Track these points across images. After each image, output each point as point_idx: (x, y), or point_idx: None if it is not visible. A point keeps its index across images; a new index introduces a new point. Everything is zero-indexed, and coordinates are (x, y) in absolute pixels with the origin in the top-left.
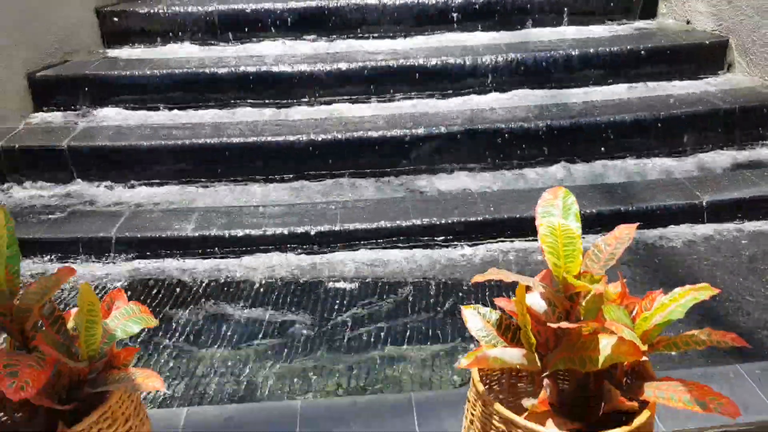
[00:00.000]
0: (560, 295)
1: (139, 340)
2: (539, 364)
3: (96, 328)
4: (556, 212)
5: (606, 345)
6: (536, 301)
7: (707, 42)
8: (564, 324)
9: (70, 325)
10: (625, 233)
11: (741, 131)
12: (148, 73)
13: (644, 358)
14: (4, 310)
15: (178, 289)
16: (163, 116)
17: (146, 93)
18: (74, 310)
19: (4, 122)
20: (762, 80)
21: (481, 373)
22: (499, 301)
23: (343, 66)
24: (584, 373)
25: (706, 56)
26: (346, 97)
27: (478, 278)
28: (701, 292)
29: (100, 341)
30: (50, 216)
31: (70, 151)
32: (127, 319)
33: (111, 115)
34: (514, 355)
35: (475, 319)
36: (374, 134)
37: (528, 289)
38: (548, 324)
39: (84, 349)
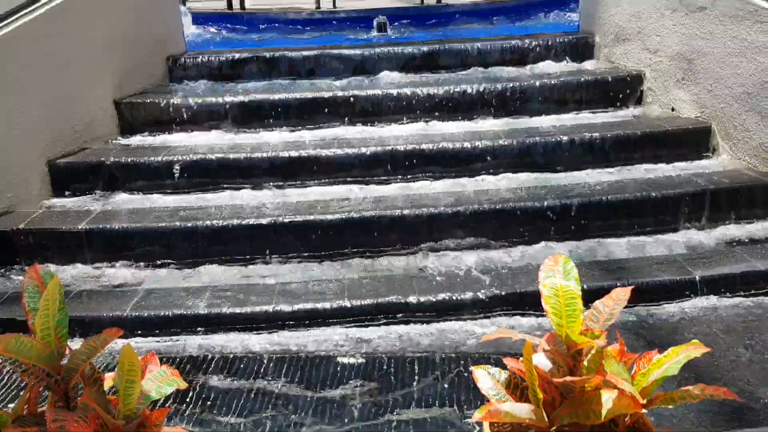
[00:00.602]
0: (564, 354)
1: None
2: (546, 419)
3: (135, 388)
4: (558, 275)
5: (608, 399)
6: (542, 361)
7: (691, 128)
8: (569, 378)
9: (106, 387)
10: (621, 295)
11: (728, 210)
12: (162, 159)
13: (643, 411)
14: (52, 371)
15: (189, 365)
16: (175, 200)
17: (160, 178)
18: (109, 374)
19: (23, 206)
20: (745, 163)
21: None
22: (508, 361)
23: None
24: (589, 428)
25: (692, 141)
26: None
27: (489, 337)
28: (693, 350)
29: (137, 400)
30: (67, 296)
31: (86, 234)
32: (161, 381)
33: (126, 199)
34: (523, 410)
35: (486, 378)
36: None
37: (534, 350)
38: (554, 379)
39: (122, 408)
